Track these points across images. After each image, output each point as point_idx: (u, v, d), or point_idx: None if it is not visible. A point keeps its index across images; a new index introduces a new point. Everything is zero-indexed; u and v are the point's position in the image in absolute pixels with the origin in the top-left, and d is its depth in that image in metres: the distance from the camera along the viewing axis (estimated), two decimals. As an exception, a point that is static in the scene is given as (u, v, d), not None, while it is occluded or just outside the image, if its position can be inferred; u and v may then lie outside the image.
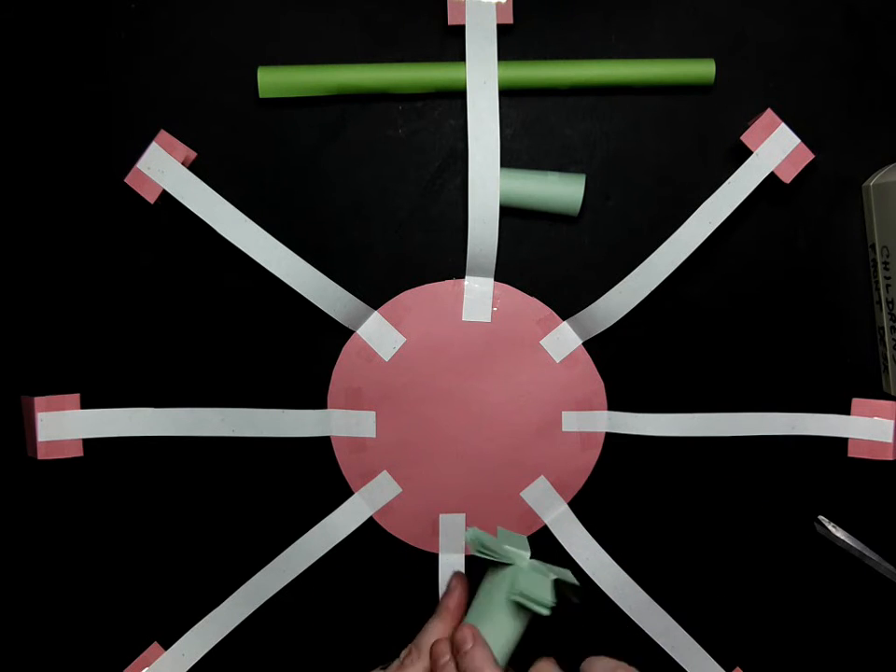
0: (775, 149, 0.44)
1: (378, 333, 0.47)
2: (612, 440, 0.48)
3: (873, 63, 0.47)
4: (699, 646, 0.48)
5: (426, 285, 0.48)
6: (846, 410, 0.48)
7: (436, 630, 0.38)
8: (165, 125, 0.45)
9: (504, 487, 0.48)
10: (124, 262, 0.47)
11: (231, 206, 0.44)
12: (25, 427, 0.46)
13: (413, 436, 0.48)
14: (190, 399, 0.48)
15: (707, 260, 0.47)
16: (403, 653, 0.38)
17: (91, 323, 0.48)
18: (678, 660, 0.48)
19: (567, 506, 0.48)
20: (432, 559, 0.49)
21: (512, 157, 0.47)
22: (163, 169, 0.44)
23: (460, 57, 0.45)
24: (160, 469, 0.48)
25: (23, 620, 0.49)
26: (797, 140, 0.44)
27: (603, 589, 0.48)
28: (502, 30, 0.45)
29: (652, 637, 0.47)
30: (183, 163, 0.44)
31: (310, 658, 0.49)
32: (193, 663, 0.47)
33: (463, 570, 0.48)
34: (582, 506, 0.48)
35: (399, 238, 0.48)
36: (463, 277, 0.48)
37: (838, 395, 0.48)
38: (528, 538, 0.48)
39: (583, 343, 0.48)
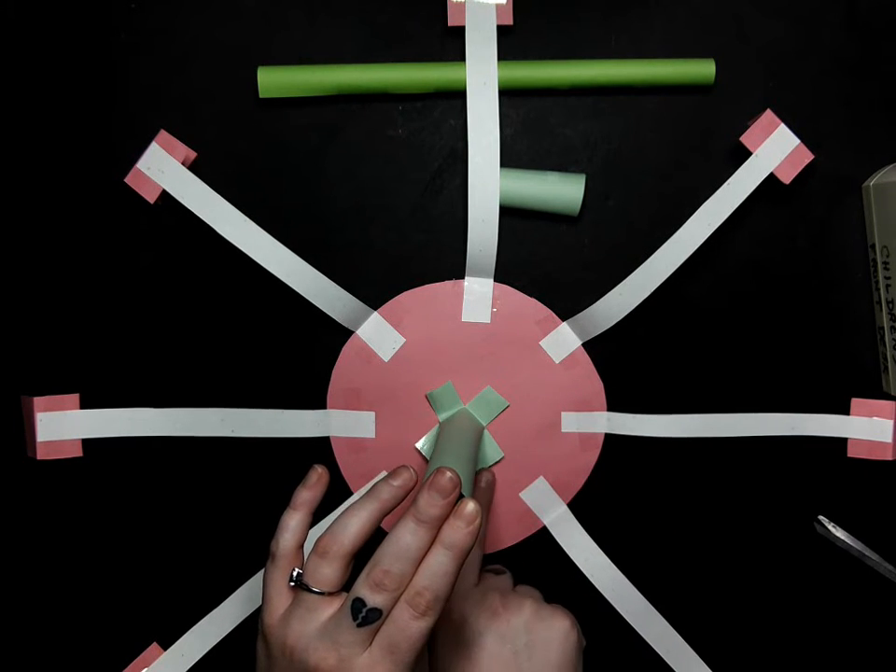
0: (774, 150, 0.44)
1: (378, 334, 0.47)
2: (612, 440, 0.48)
3: (873, 63, 0.47)
4: (694, 653, 0.48)
5: (425, 285, 0.48)
6: (845, 410, 0.48)
7: (298, 526, 0.36)
8: (165, 125, 0.45)
9: (503, 488, 0.48)
10: (124, 262, 0.47)
11: (231, 206, 0.44)
12: (25, 427, 0.46)
13: (413, 436, 0.48)
14: (190, 399, 0.48)
15: (707, 260, 0.47)
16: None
17: (91, 323, 0.48)
18: (672, 665, 0.48)
19: (566, 507, 0.48)
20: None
21: (512, 157, 0.47)
22: (163, 169, 0.43)
23: (460, 57, 0.45)
24: (159, 469, 0.48)
25: (23, 620, 0.49)
26: (797, 141, 0.44)
27: (601, 591, 0.48)
28: (502, 30, 0.45)
29: (648, 642, 0.48)
30: (183, 163, 0.44)
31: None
32: (193, 663, 0.48)
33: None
34: (582, 507, 0.48)
35: (399, 238, 0.48)
36: (463, 278, 0.48)
37: (838, 395, 0.48)
38: (527, 539, 0.49)
39: (583, 344, 0.48)
